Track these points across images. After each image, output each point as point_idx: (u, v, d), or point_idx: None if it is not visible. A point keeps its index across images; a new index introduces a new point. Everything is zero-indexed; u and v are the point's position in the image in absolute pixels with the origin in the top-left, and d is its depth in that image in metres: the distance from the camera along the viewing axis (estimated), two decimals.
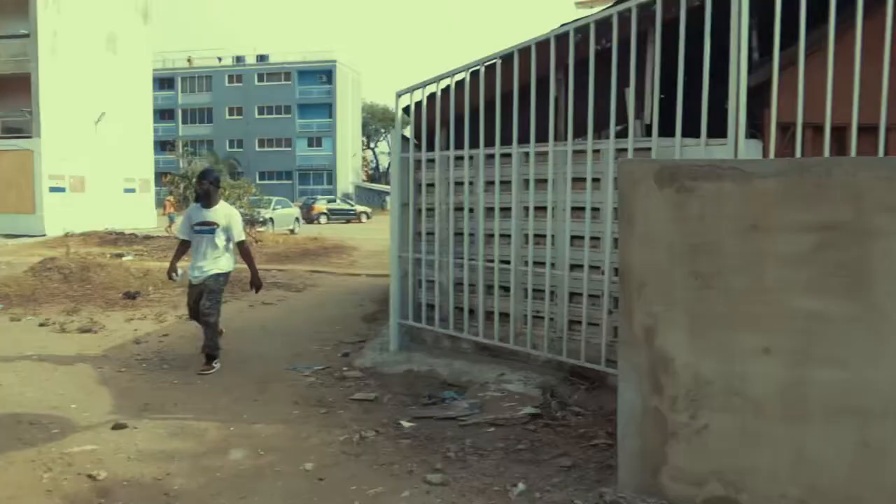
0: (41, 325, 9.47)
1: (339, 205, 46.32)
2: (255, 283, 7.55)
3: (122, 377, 7.06)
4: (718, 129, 5.29)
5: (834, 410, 3.56)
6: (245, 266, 7.63)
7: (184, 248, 7.53)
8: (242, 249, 7.50)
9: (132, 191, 36.17)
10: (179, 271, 7.59)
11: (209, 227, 7.22)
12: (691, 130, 5.40)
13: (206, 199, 7.29)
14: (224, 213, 7.38)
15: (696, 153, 5.31)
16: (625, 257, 4.06)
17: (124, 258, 17.85)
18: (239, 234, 7.43)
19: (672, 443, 3.96)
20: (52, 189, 30.47)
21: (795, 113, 4.93)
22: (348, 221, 42.99)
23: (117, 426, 5.54)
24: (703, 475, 3.88)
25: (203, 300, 7.18)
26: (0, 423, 5.59)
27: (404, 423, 5.62)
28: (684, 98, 5.30)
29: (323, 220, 41.69)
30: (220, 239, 7.24)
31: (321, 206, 43.87)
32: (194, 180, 7.56)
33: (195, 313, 7.38)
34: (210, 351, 7.28)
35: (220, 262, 7.28)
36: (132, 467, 4.78)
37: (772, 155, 5.07)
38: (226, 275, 7.41)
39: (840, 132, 5.02)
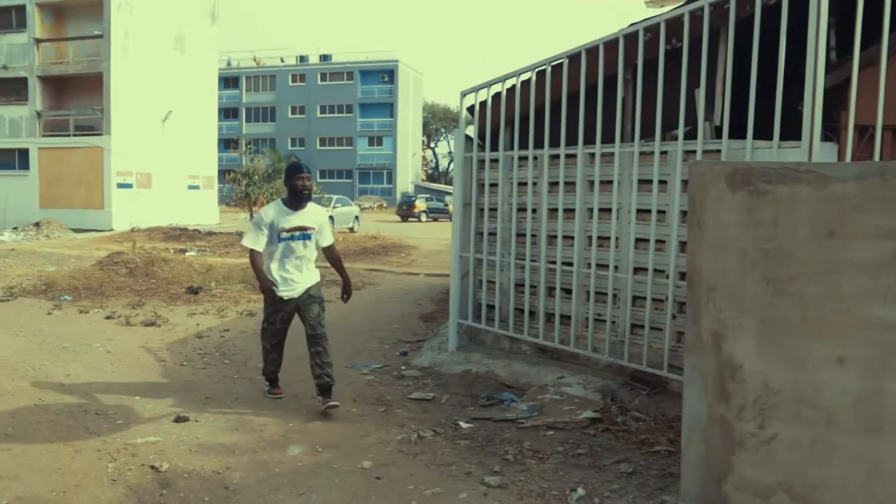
0: (107, 317, 9.71)
1: (434, 203, 47.43)
2: (349, 291, 6.36)
3: (184, 370, 7.18)
4: (790, 131, 5.13)
5: None
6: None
7: (261, 258, 5.99)
8: (334, 253, 6.34)
9: (196, 187, 36.97)
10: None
11: (306, 233, 6.02)
12: (762, 133, 5.26)
13: (307, 199, 6.07)
14: (317, 212, 6.19)
15: (768, 156, 5.17)
16: (694, 261, 3.96)
17: (187, 254, 18.21)
18: (329, 237, 6.29)
19: (738, 452, 3.84)
20: (120, 185, 31.36)
21: (873, 115, 4.75)
22: (436, 220, 43.88)
23: (179, 419, 5.63)
24: (771, 487, 3.76)
25: (317, 318, 6.06)
26: (68, 413, 5.73)
27: (462, 423, 5.59)
28: (756, 100, 5.16)
29: (423, 217, 44.14)
30: (314, 244, 6.12)
31: (421, 204, 45.97)
32: (288, 175, 6.05)
33: (282, 337, 6.27)
34: (331, 379, 6.06)
35: (314, 271, 6.20)
36: (193, 460, 4.85)
37: (848, 158, 4.90)
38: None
39: None
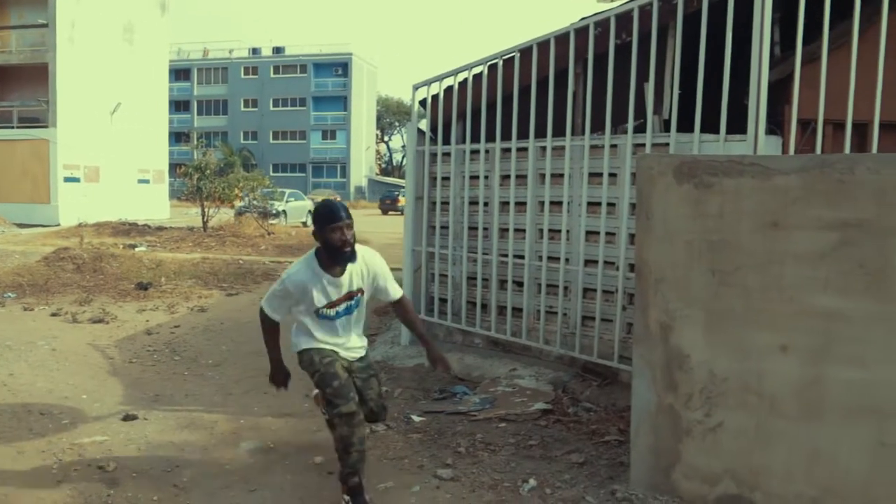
0: (53, 315, 9.48)
1: None
2: (441, 358, 4.64)
3: (133, 368, 7.06)
4: (737, 125, 5.22)
5: (851, 410, 3.51)
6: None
7: (277, 331, 4.51)
8: (408, 310, 4.67)
9: (146, 182, 36.31)
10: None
11: (354, 301, 4.32)
12: (709, 127, 5.34)
13: (350, 257, 4.15)
14: (364, 264, 4.29)
15: (715, 149, 5.25)
16: (642, 253, 4.01)
17: (137, 249, 17.90)
18: (396, 288, 4.52)
19: (686, 440, 3.91)
20: (67, 179, 30.64)
21: (816, 109, 4.86)
22: None
23: (128, 417, 5.53)
24: (717, 473, 3.83)
25: (378, 399, 4.59)
26: (11, 413, 5.58)
27: (415, 417, 5.59)
28: (703, 94, 5.24)
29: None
30: (365, 307, 4.47)
31: (404, 199, 47.19)
32: (320, 224, 4.07)
33: (352, 393, 4.12)
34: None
35: (364, 337, 4.63)
36: (142, 459, 4.77)
37: (791, 151, 5.00)
38: None
39: (861, 129, 4.95)
